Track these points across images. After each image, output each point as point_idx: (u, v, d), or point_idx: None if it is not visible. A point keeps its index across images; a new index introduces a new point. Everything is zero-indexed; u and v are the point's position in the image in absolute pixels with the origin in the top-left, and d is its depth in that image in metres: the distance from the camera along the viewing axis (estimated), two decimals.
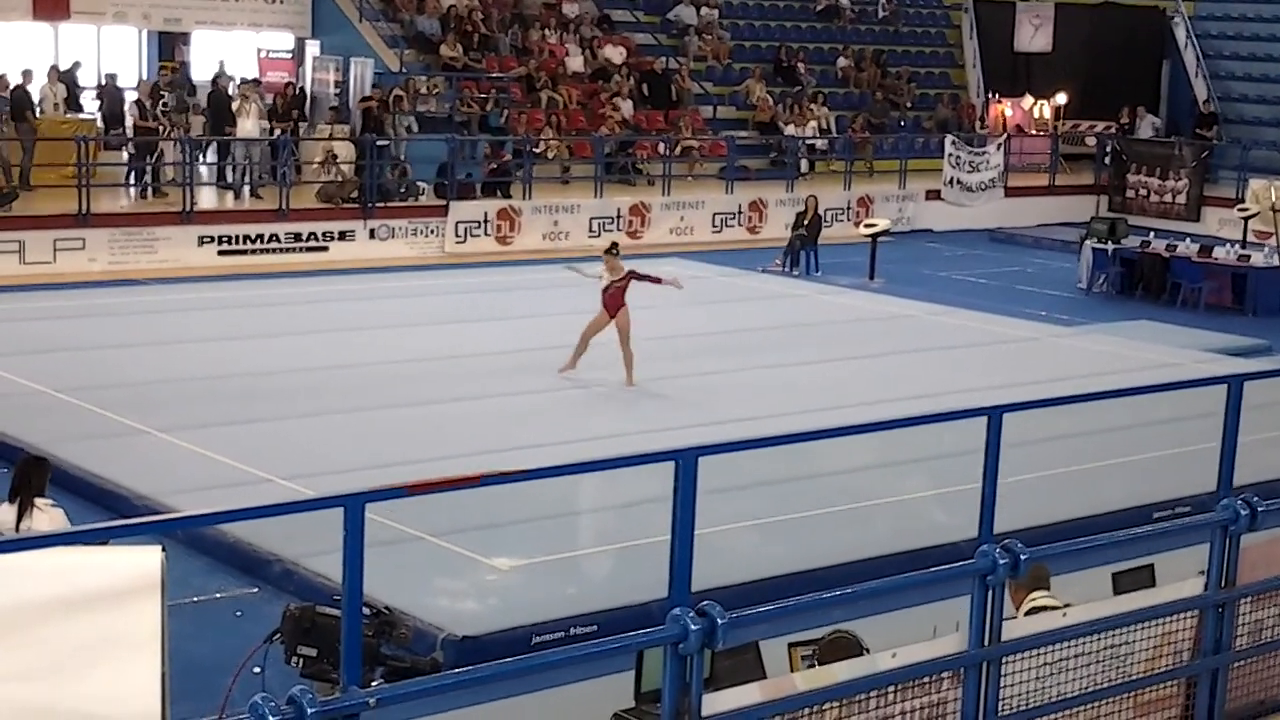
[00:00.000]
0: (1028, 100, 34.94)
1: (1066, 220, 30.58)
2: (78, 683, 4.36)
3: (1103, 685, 6.14)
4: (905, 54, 36.41)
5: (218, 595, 10.25)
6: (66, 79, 26.15)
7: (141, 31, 30.77)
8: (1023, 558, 5.61)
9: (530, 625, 9.56)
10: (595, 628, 9.38)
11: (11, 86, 24.19)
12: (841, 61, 34.88)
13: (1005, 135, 32.46)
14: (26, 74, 24.57)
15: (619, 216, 26.53)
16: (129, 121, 25.35)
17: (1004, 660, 5.75)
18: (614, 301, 15.68)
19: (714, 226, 27.56)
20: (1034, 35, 35.78)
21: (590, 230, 26.08)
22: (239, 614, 9.99)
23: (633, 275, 15.75)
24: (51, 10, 27.76)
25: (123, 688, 4.36)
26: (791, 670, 6.74)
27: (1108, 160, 32.54)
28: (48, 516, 8.13)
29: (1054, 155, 33.25)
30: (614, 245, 16.36)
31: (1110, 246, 24.27)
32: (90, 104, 27.15)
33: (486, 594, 10.31)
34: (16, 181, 23.28)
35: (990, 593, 5.62)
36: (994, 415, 6.41)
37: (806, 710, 5.27)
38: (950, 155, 30.49)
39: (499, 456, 11.74)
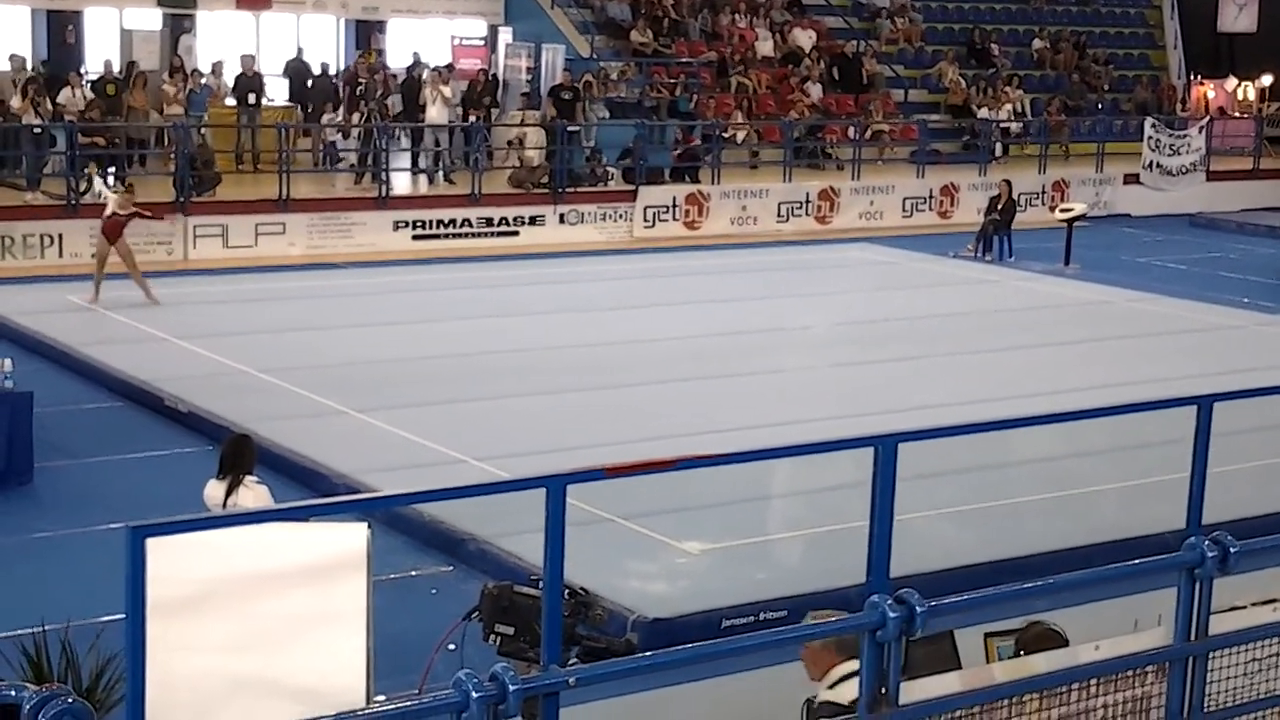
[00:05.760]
0: (1231, 82, 33.91)
1: (1272, 205, 29.64)
2: (286, 655, 4.45)
3: None
4: (1103, 35, 35.59)
5: (413, 573, 10.41)
6: (292, 71, 27.05)
7: (339, 20, 31.44)
8: (1232, 550, 5.45)
9: (720, 609, 9.56)
10: (785, 613, 9.34)
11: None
12: (1037, 43, 34.22)
13: (1207, 118, 31.54)
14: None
15: (808, 201, 26.36)
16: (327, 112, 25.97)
17: (1210, 655, 5.60)
18: (113, 231, 17.91)
19: (904, 211, 27.24)
20: (1238, 15, 34.74)
21: (779, 215, 25.97)
22: (434, 591, 10.14)
23: (137, 213, 18.20)
24: (254, 0, 28.54)
25: (330, 661, 4.45)
26: (987, 661, 6.63)
27: None
28: (253, 494, 8.31)
29: (1258, 138, 32.22)
30: (130, 185, 19.08)
31: None
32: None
33: (677, 577, 10.35)
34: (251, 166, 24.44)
35: (1198, 586, 5.47)
36: (1204, 404, 6.21)
37: (1006, 701, 5.17)
38: (1150, 138, 29.70)
39: (687, 441, 11.75)
